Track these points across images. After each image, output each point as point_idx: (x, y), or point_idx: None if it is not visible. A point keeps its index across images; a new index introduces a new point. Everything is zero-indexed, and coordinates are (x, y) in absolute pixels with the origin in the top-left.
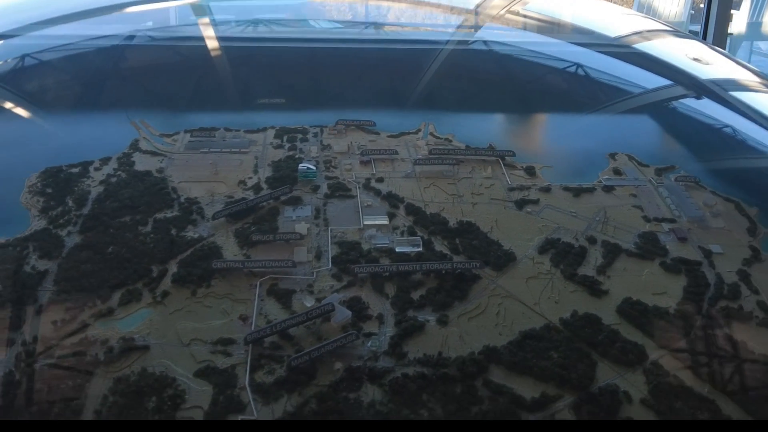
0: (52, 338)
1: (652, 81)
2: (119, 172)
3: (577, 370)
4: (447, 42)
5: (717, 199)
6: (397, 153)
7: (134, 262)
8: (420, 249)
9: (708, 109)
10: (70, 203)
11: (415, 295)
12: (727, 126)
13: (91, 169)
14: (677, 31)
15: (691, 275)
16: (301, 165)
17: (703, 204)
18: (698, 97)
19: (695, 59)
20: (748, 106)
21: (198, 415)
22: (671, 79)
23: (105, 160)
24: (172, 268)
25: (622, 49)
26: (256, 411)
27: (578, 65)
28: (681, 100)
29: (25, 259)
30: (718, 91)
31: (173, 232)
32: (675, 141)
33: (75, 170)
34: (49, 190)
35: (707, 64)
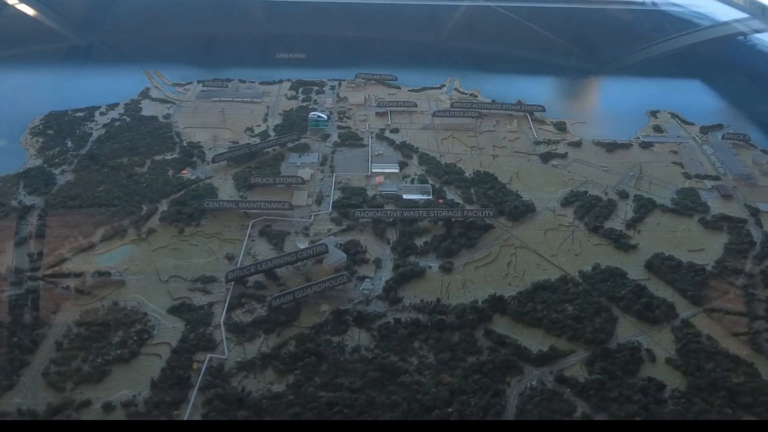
0: (24, 271)
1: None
2: (124, 117)
3: (593, 325)
4: None
5: (766, 156)
6: (416, 106)
7: (124, 201)
8: (429, 197)
9: None
10: (69, 144)
11: (419, 242)
12: None
13: (96, 113)
14: None
15: (734, 233)
16: (311, 114)
17: (752, 162)
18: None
19: None
20: None
21: (164, 352)
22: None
23: (112, 106)
24: (163, 207)
25: None
26: (227, 350)
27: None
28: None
29: (13, 195)
30: None
31: (170, 173)
32: (726, 97)
33: (80, 114)
34: (50, 132)
35: None
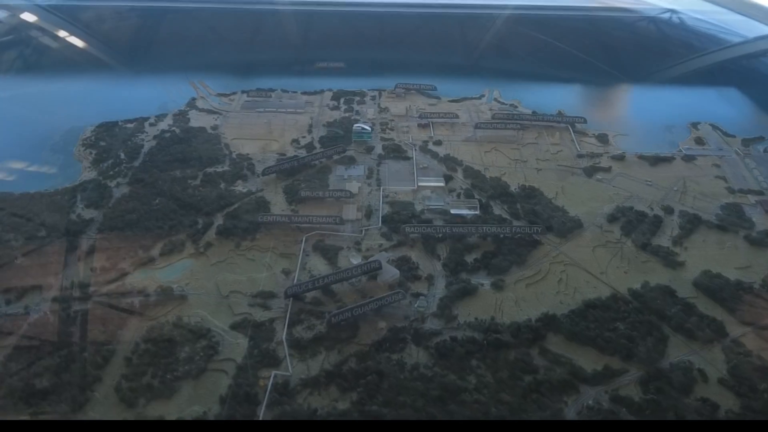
0: (89, 285)
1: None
2: (174, 128)
3: (645, 344)
4: (516, 7)
5: None
6: (457, 117)
7: (180, 214)
8: (477, 212)
9: None
10: (122, 156)
11: (469, 258)
12: None
13: (146, 124)
14: None
15: None
16: (356, 126)
17: None
18: None
19: None
20: None
21: (230, 368)
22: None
23: (161, 117)
24: (218, 220)
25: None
26: (291, 367)
27: (661, 19)
28: None
29: (72, 208)
30: None
31: (222, 186)
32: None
33: (130, 125)
34: (103, 143)
35: None
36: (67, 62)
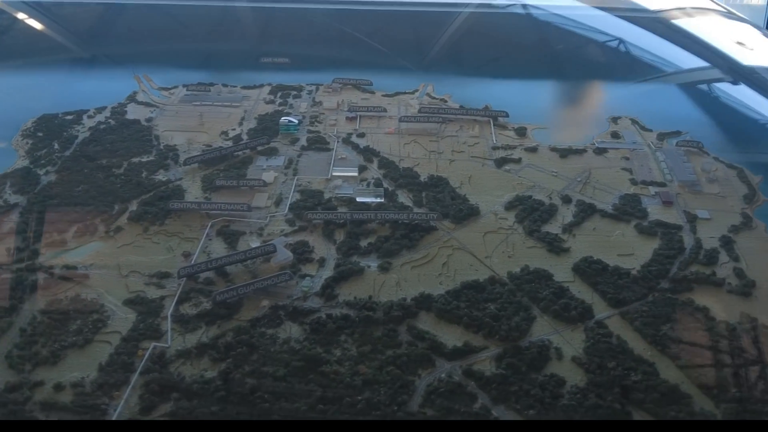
0: (1, 264)
1: (679, 58)
2: (110, 120)
3: (510, 323)
4: (460, 5)
5: (719, 165)
6: (385, 110)
7: (98, 200)
8: (381, 200)
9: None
10: (56, 146)
11: (364, 243)
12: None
13: (84, 117)
14: (731, 13)
15: (667, 239)
16: (282, 118)
17: (701, 169)
18: (725, 79)
19: (738, 42)
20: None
21: (115, 340)
22: (699, 56)
23: (100, 109)
24: (132, 206)
25: (653, 22)
26: (171, 339)
27: (599, 32)
28: (703, 78)
29: (0, 194)
30: (747, 74)
31: (144, 174)
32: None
33: (70, 117)
34: (40, 134)
35: (750, 48)
36: (17, 57)
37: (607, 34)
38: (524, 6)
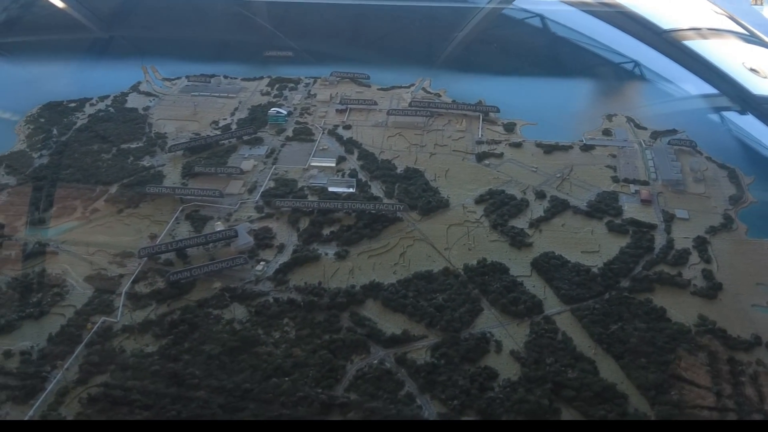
0: None
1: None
2: (110, 108)
3: (453, 314)
4: (466, 3)
5: (710, 164)
6: (376, 103)
7: (82, 183)
8: (353, 190)
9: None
10: (54, 131)
11: (327, 231)
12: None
13: (87, 105)
14: (749, 35)
15: (636, 237)
16: (271, 109)
17: (689, 168)
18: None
19: (752, 69)
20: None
21: (69, 313)
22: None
23: (103, 98)
24: (112, 190)
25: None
26: (121, 315)
27: (594, 41)
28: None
29: None
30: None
31: (130, 160)
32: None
33: (73, 105)
34: (42, 120)
35: (764, 77)
36: (30, 44)
37: (623, 56)
38: (542, 18)
